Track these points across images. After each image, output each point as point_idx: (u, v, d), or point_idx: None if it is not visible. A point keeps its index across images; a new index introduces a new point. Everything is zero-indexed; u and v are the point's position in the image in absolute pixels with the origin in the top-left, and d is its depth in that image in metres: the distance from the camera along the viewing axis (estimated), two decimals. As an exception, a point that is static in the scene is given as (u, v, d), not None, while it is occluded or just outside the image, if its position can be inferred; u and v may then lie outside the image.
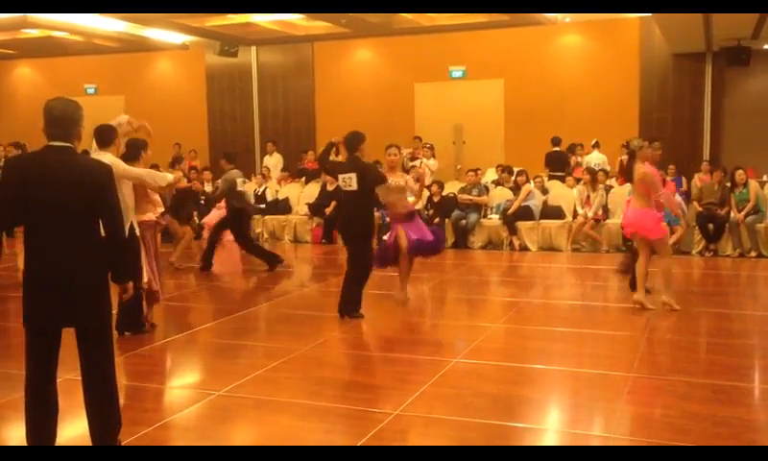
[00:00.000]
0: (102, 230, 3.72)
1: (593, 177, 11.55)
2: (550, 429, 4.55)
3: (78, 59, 18.06)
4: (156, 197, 6.76)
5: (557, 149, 13.38)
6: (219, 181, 10.02)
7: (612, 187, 12.28)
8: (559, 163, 13.16)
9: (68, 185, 3.56)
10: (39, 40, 16.51)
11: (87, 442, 3.81)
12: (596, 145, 13.49)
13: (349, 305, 6.93)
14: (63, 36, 15.92)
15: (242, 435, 4.51)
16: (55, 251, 3.57)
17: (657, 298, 7.37)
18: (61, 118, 3.67)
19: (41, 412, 3.68)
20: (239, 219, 9.94)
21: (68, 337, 3.73)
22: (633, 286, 7.53)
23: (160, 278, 6.70)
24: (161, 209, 6.89)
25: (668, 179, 10.17)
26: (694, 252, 10.83)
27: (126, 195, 5.87)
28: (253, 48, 16.87)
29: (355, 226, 6.98)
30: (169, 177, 6.52)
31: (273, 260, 9.91)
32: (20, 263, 11.30)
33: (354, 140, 7.04)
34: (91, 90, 18.55)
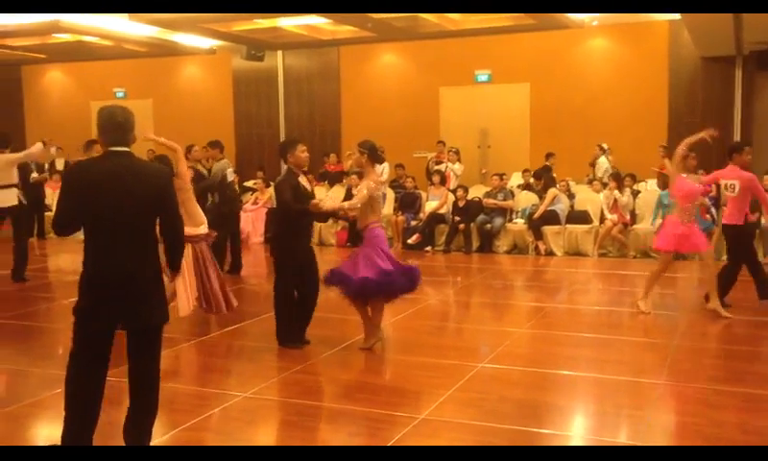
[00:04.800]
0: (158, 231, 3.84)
1: (620, 182, 11.44)
2: (576, 436, 4.51)
3: (107, 63, 18.31)
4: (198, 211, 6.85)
5: (547, 163, 13.31)
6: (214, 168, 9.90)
7: (639, 192, 12.17)
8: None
9: (133, 189, 3.66)
10: (70, 45, 16.75)
11: (105, 438, 3.85)
12: (603, 150, 13.38)
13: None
14: (94, 40, 16.14)
15: (267, 437, 4.54)
16: (118, 253, 3.65)
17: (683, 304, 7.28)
18: (123, 123, 3.76)
19: (79, 411, 3.73)
20: (231, 217, 9.88)
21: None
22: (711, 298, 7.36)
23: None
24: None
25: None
26: (723, 257, 10.65)
27: None
28: (280, 52, 16.97)
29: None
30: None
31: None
32: (51, 265, 11.49)
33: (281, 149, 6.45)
34: (120, 94, 18.79)
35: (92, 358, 3.73)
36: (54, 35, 15.65)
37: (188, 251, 6.39)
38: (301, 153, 6.20)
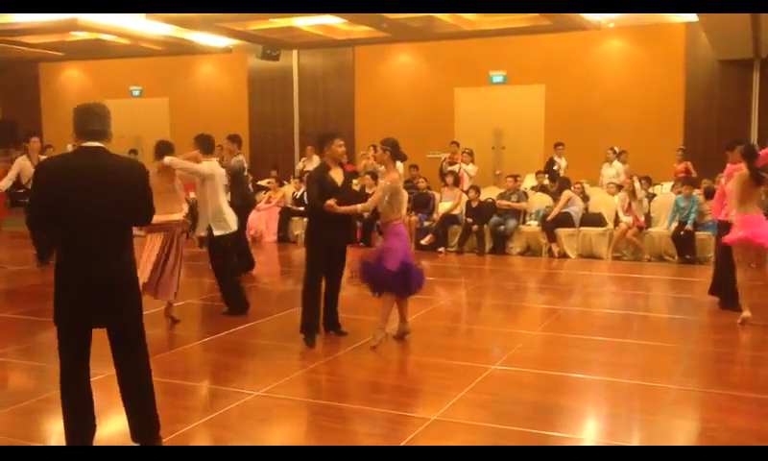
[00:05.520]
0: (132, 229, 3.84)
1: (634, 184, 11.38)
2: (588, 440, 4.48)
3: (124, 61, 18.43)
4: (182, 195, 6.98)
5: (552, 156, 13.35)
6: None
7: (654, 195, 12.10)
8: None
9: (106, 186, 3.62)
10: (87, 43, 16.88)
11: (127, 439, 3.88)
12: (615, 153, 13.32)
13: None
14: (111, 39, 16.25)
15: (280, 435, 4.54)
16: (91, 250, 3.62)
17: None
18: (99, 119, 3.73)
19: (76, 410, 3.75)
20: (244, 212, 9.89)
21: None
22: (727, 304, 7.28)
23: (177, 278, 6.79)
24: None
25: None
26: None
27: None
28: (295, 52, 17.01)
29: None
30: None
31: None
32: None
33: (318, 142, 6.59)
34: (136, 92, 18.91)
35: (75, 360, 3.71)
36: (71, 33, 15.77)
37: (159, 238, 6.54)
38: (338, 147, 6.32)
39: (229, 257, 7.43)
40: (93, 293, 3.63)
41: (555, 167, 13.32)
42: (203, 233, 7.35)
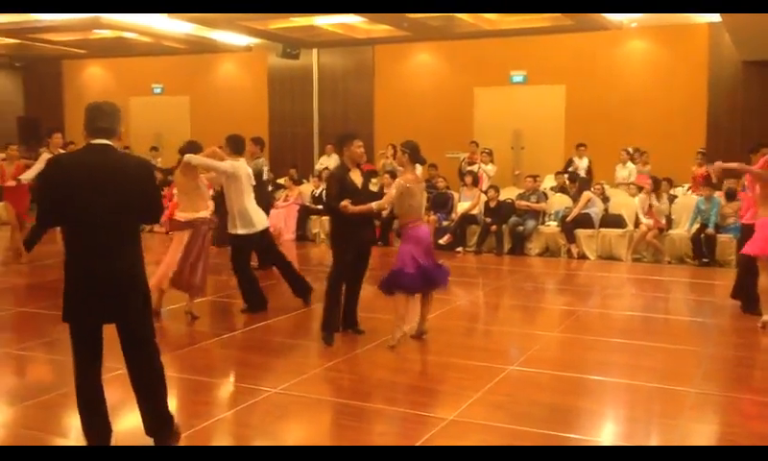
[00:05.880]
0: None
1: (657, 185, 11.28)
2: (605, 443, 4.45)
3: (146, 59, 18.57)
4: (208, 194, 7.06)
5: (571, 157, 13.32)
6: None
7: (675, 197, 12.00)
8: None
9: (113, 184, 3.62)
10: (110, 41, 17.03)
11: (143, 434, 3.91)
12: (629, 155, 13.21)
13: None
14: (133, 37, 16.39)
15: (296, 433, 4.56)
16: (99, 248, 3.63)
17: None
18: (109, 117, 3.74)
19: (89, 408, 3.78)
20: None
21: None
22: (749, 307, 7.20)
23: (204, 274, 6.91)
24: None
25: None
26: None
27: None
28: (315, 50, 17.04)
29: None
30: None
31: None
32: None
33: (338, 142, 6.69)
34: (158, 90, 19.06)
35: (86, 357, 3.73)
36: (95, 31, 15.92)
37: (186, 235, 6.74)
38: (357, 148, 6.37)
39: (249, 256, 7.45)
40: (98, 291, 3.63)
41: (571, 168, 13.23)
42: (232, 231, 7.31)
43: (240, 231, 7.15)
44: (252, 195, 7.27)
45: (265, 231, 7.37)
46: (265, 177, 10.00)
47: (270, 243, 9.48)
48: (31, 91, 20.49)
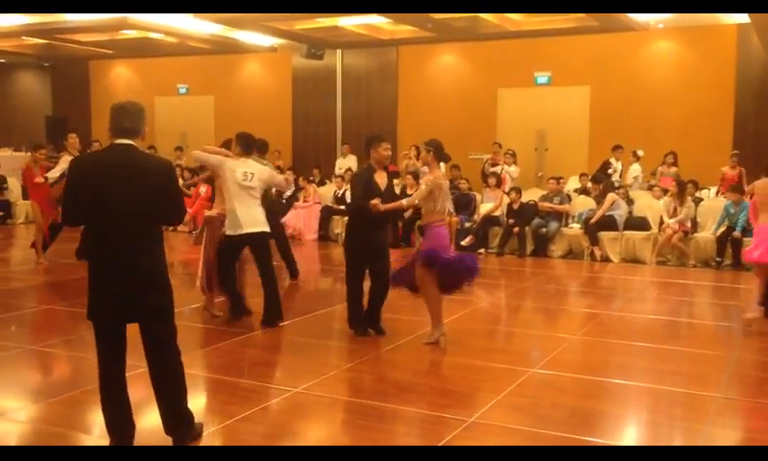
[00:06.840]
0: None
1: (681, 188, 11.16)
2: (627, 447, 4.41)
3: (171, 59, 18.74)
4: None
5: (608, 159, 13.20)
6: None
7: (701, 200, 11.85)
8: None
9: (136, 183, 3.65)
10: (136, 41, 17.22)
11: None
12: (636, 157, 13.08)
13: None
14: (159, 37, 16.56)
15: (317, 433, 4.57)
16: (122, 246, 3.66)
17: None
18: (133, 116, 3.77)
19: (113, 406, 3.82)
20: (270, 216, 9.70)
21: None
22: None
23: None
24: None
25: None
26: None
27: None
28: (339, 51, 17.08)
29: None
30: None
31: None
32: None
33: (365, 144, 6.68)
34: (183, 90, 19.23)
35: (109, 355, 3.77)
36: (121, 31, 16.11)
37: (203, 234, 6.94)
38: (384, 150, 6.41)
39: (232, 257, 6.93)
40: (120, 290, 3.67)
41: (610, 170, 13.03)
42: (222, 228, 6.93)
43: (228, 232, 6.74)
44: (247, 197, 6.68)
45: (262, 235, 6.80)
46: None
47: (283, 250, 9.16)
48: (58, 91, 20.78)
